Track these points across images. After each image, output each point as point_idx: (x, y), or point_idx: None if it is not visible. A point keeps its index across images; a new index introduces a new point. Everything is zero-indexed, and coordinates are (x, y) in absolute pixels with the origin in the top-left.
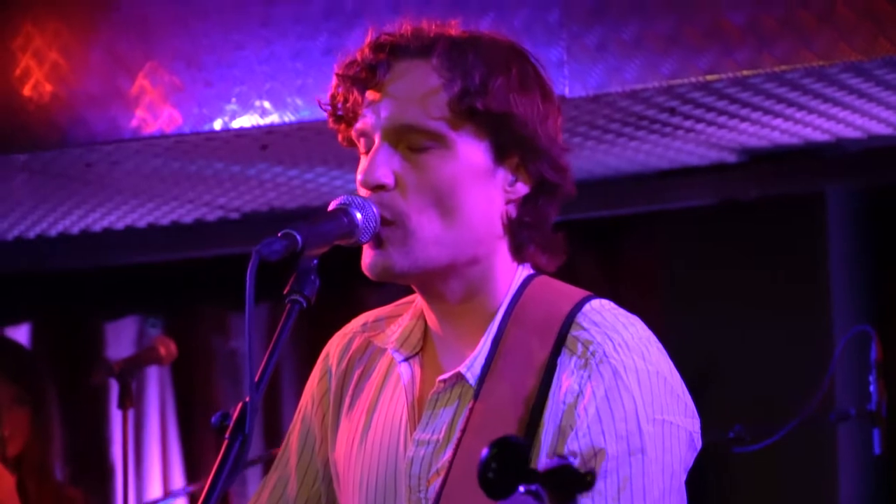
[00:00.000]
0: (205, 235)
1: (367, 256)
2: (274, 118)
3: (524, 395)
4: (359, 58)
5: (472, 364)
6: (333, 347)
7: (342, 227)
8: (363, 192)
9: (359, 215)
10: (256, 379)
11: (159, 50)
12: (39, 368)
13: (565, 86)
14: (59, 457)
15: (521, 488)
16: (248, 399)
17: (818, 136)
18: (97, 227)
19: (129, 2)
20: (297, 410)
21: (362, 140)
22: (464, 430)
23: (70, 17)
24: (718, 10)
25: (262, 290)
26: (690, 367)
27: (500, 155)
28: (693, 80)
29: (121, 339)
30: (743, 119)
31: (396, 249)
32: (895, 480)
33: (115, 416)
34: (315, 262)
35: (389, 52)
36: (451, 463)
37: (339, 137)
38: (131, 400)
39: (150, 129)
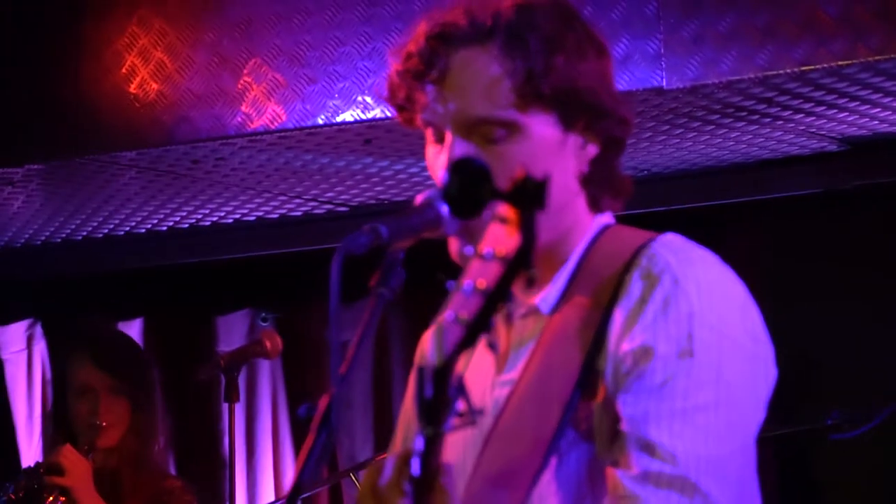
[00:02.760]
0: (314, 229)
1: (455, 245)
2: (376, 112)
3: (594, 312)
4: (414, 49)
5: (546, 297)
6: (426, 335)
7: (428, 220)
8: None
9: (445, 208)
10: (343, 371)
11: (262, 47)
12: (142, 361)
13: (663, 78)
14: (161, 449)
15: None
16: (334, 391)
17: None
18: (206, 222)
19: (232, 1)
20: (401, 410)
21: (430, 129)
22: (534, 352)
23: (174, 17)
24: (813, 1)
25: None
26: (792, 353)
27: (569, 123)
28: (789, 70)
29: (233, 333)
30: (841, 109)
31: (480, 234)
32: None
33: (226, 409)
34: (402, 255)
35: (446, 42)
36: (520, 377)
37: (404, 124)
38: (237, 393)
39: (254, 125)
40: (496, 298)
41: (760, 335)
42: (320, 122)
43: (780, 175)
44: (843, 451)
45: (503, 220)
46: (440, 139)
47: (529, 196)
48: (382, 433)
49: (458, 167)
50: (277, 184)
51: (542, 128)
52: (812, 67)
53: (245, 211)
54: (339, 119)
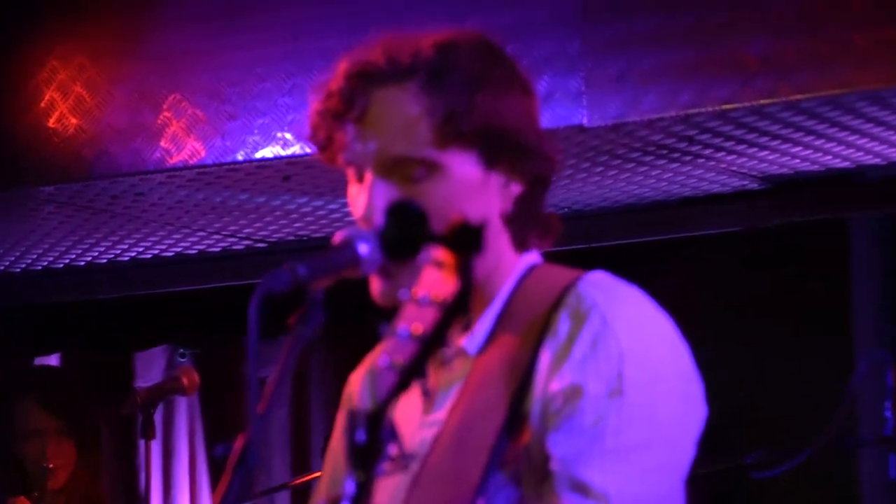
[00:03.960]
0: (233, 265)
1: (377, 285)
2: (296, 149)
3: (521, 352)
4: (334, 88)
5: (472, 337)
6: (354, 376)
7: (347, 260)
8: (365, 225)
9: (364, 248)
10: (261, 411)
11: (183, 83)
12: (86, 401)
13: (584, 116)
14: (107, 488)
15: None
16: (252, 431)
17: (839, 164)
18: (125, 258)
19: (153, 36)
20: (328, 452)
21: (351, 168)
22: (461, 393)
23: (95, 52)
24: (736, 40)
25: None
26: (711, 393)
27: (491, 162)
28: (711, 109)
29: (151, 370)
30: (762, 147)
31: (405, 278)
32: None
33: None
34: (320, 294)
35: (365, 81)
36: (446, 419)
37: (327, 163)
38: (153, 430)
39: (174, 160)
40: (432, 344)
41: (690, 373)
42: (240, 158)
43: (702, 213)
44: (764, 490)
45: (439, 265)
46: (361, 178)
47: (467, 241)
48: (300, 471)
49: (395, 210)
50: (196, 219)
51: (462, 167)
52: (735, 106)
53: (164, 246)
54: (258, 155)
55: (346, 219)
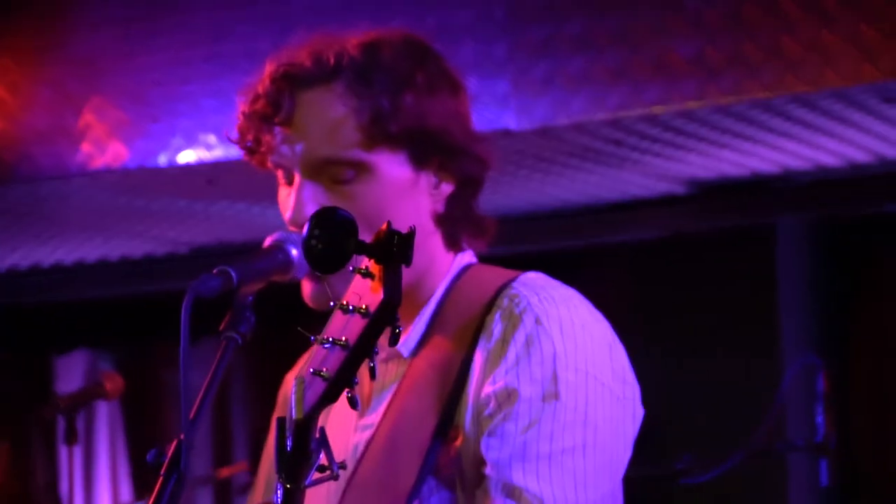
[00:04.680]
0: (154, 270)
1: (308, 288)
2: (219, 152)
3: (454, 355)
4: (261, 91)
5: (406, 340)
6: (289, 377)
7: (278, 264)
8: (294, 228)
9: (294, 251)
10: (192, 416)
11: (105, 85)
12: (20, 402)
13: (511, 119)
14: (41, 489)
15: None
16: (182, 436)
17: (766, 168)
18: (47, 263)
19: (76, 39)
20: (263, 452)
21: (280, 171)
22: (394, 396)
23: (17, 54)
24: (665, 43)
25: (204, 326)
26: (643, 398)
27: (420, 162)
28: (639, 112)
29: (71, 375)
30: (690, 150)
31: (337, 280)
32: None
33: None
34: (250, 298)
35: (291, 83)
36: (378, 424)
37: (256, 166)
38: (76, 436)
39: (97, 163)
40: (360, 354)
41: (627, 375)
42: (163, 161)
43: (629, 218)
44: (692, 497)
45: (366, 274)
46: (290, 181)
47: (395, 251)
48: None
49: (320, 218)
50: (119, 223)
51: (391, 167)
52: (663, 109)
53: (85, 251)
54: (181, 158)
55: (269, 223)
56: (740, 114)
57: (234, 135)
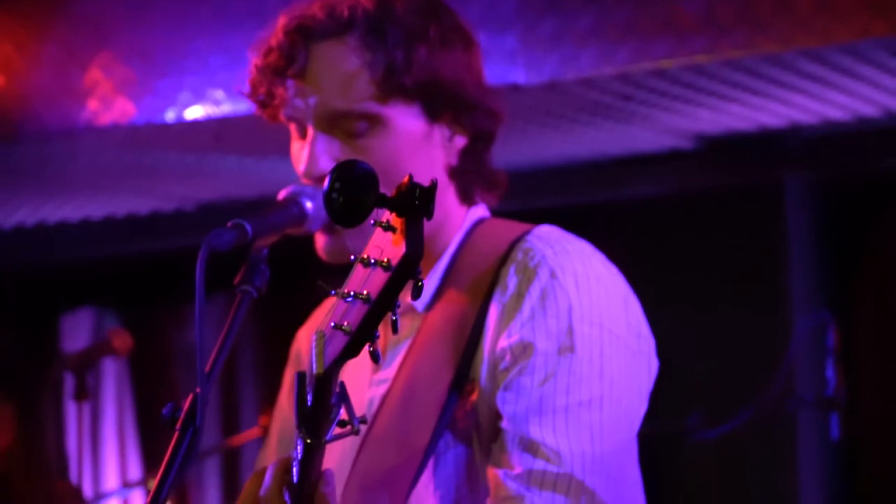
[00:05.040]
0: (160, 227)
1: (322, 241)
2: (227, 108)
3: (469, 309)
4: (274, 44)
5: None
6: (301, 333)
7: (292, 217)
8: (307, 181)
9: (309, 204)
10: (207, 370)
11: (112, 42)
12: (25, 367)
13: (520, 74)
14: (50, 453)
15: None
16: (198, 390)
17: (774, 122)
18: (52, 220)
19: None
20: (275, 409)
21: (293, 125)
22: (409, 351)
23: (23, 13)
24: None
25: (215, 282)
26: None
27: (434, 115)
28: (648, 66)
29: (77, 333)
30: (698, 105)
31: (351, 233)
32: (853, 465)
33: (73, 409)
34: (265, 252)
35: (305, 36)
36: (394, 378)
37: (268, 119)
38: (86, 393)
39: (104, 120)
40: (381, 308)
41: (642, 328)
42: (170, 117)
43: (636, 174)
44: (703, 452)
45: (387, 228)
46: (304, 134)
47: (417, 204)
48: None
49: (341, 172)
50: (125, 180)
51: (405, 120)
52: (672, 63)
53: (92, 208)
54: (188, 114)
55: (276, 178)
56: (749, 68)
57: (247, 88)
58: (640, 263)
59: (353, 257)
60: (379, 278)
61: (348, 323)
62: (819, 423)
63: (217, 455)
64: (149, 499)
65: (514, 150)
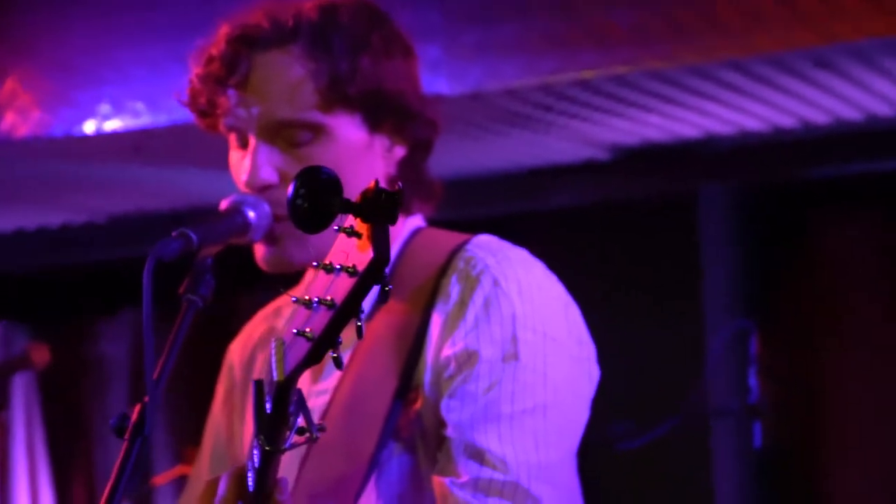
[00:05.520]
0: (71, 240)
1: (262, 251)
2: (146, 119)
3: (410, 317)
4: (215, 52)
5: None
6: (233, 346)
7: (236, 226)
8: (248, 191)
9: (251, 213)
10: (155, 377)
11: (31, 53)
12: None
13: (444, 84)
14: None
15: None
16: (147, 399)
17: (690, 133)
18: None
19: (1, 4)
20: (208, 422)
21: (233, 135)
22: (350, 360)
23: None
24: (601, 10)
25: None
26: None
27: (375, 125)
28: (572, 76)
29: None
30: (617, 115)
31: (292, 243)
32: (774, 473)
33: None
34: (210, 261)
35: (248, 45)
36: (335, 388)
37: (207, 129)
38: (3, 405)
39: (21, 132)
40: (347, 314)
41: (583, 335)
42: (89, 129)
43: (552, 185)
44: (623, 461)
45: (351, 233)
46: (244, 144)
47: (382, 209)
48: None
49: (306, 177)
50: (40, 192)
51: (347, 130)
52: (596, 73)
53: (3, 222)
54: (108, 126)
55: (195, 191)
56: (670, 78)
57: (187, 98)
58: (559, 274)
59: (315, 263)
60: (344, 284)
61: (311, 329)
62: (738, 433)
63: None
64: None
65: (434, 160)
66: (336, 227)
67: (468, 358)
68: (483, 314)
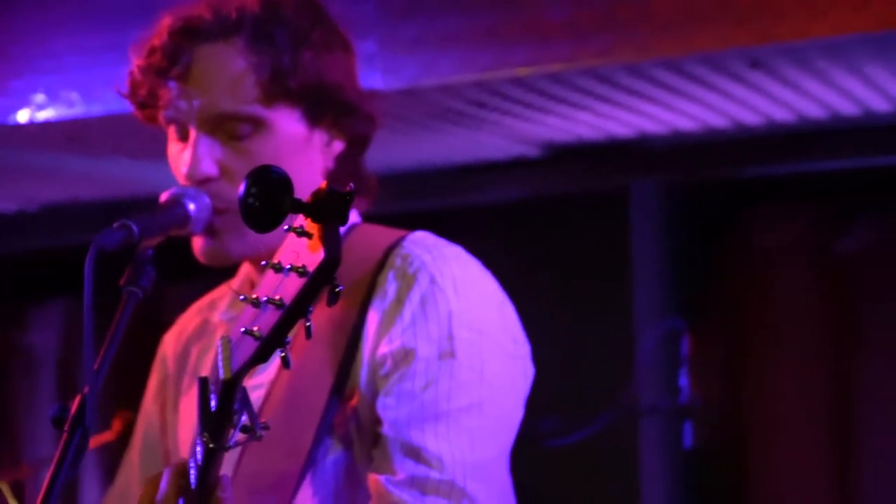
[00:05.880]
0: (2, 228)
1: (201, 243)
2: (80, 109)
3: (347, 314)
4: (157, 44)
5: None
6: (167, 337)
7: (177, 218)
8: (188, 183)
9: (192, 206)
10: (95, 368)
11: None
12: None
13: (378, 79)
14: None
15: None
16: (87, 390)
17: (623, 132)
18: None
19: None
20: (139, 413)
21: (173, 127)
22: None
23: None
24: (536, 5)
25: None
26: None
27: (315, 119)
28: (507, 73)
29: None
30: (549, 112)
31: (231, 236)
32: (706, 474)
33: None
34: (150, 252)
35: (190, 37)
36: (272, 383)
37: (146, 121)
38: None
39: None
40: (295, 314)
41: (518, 333)
42: (23, 118)
43: (483, 181)
44: (553, 458)
45: (301, 233)
46: (184, 136)
47: (334, 209)
48: None
49: (257, 176)
50: None
51: (288, 123)
52: (532, 70)
53: None
54: (42, 115)
55: (129, 180)
56: (605, 76)
57: (126, 89)
58: (492, 270)
59: (263, 262)
60: (293, 284)
61: (259, 328)
62: (667, 432)
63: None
64: (39, 500)
65: (368, 155)
66: (286, 227)
67: (405, 356)
68: (420, 312)
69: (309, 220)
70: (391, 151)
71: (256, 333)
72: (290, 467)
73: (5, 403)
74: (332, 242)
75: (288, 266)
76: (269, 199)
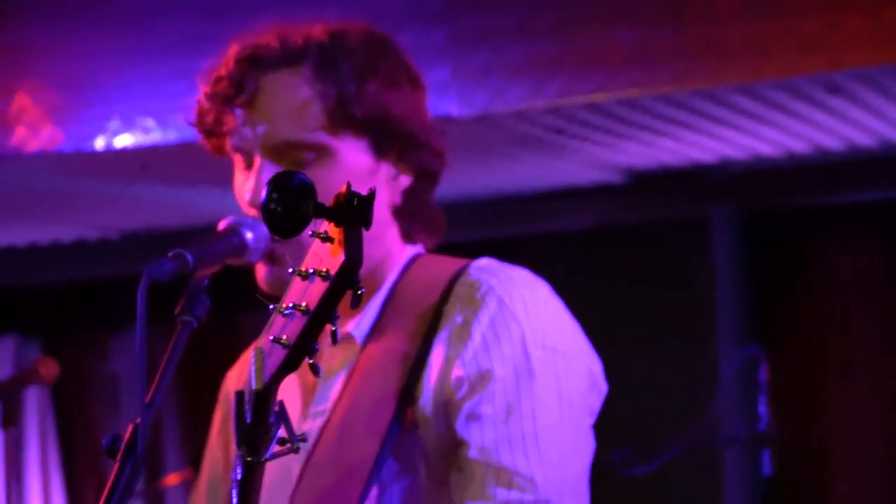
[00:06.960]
0: (84, 256)
1: (264, 271)
2: (156, 136)
3: (410, 342)
4: (224, 73)
5: (359, 324)
6: (230, 374)
7: (233, 247)
8: (251, 211)
9: (249, 235)
10: (148, 400)
11: (41, 68)
12: None
13: (453, 106)
14: None
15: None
16: (139, 420)
17: (704, 157)
18: None
19: (7, 23)
20: (206, 451)
21: (239, 155)
22: (347, 382)
23: None
24: (606, 33)
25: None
26: None
27: (381, 151)
28: (580, 99)
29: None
30: (629, 139)
31: (291, 260)
32: (784, 502)
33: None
34: (206, 282)
35: (257, 65)
36: (332, 410)
37: (213, 151)
38: (14, 420)
39: (31, 147)
40: (321, 319)
41: (590, 350)
42: (99, 145)
43: (562, 208)
44: (631, 488)
45: (325, 239)
46: (250, 165)
47: (355, 213)
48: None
49: (279, 182)
50: (52, 208)
51: (353, 153)
52: (605, 96)
53: (16, 236)
54: (118, 142)
55: (201, 208)
56: (681, 102)
57: (194, 117)
58: (567, 297)
59: (290, 270)
60: (318, 289)
61: (287, 336)
62: (746, 460)
63: (143, 498)
64: None
65: (442, 182)
66: (311, 233)
67: (481, 378)
68: (491, 334)
69: (332, 224)
70: (471, 178)
71: (284, 341)
72: (349, 491)
73: (92, 431)
74: (352, 245)
75: (312, 271)
76: (291, 204)
